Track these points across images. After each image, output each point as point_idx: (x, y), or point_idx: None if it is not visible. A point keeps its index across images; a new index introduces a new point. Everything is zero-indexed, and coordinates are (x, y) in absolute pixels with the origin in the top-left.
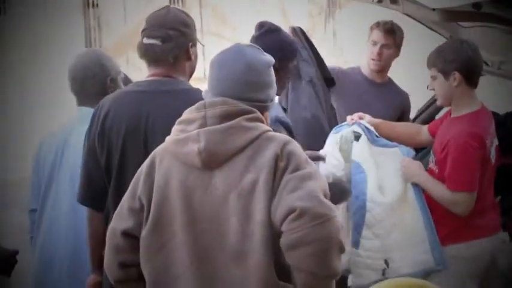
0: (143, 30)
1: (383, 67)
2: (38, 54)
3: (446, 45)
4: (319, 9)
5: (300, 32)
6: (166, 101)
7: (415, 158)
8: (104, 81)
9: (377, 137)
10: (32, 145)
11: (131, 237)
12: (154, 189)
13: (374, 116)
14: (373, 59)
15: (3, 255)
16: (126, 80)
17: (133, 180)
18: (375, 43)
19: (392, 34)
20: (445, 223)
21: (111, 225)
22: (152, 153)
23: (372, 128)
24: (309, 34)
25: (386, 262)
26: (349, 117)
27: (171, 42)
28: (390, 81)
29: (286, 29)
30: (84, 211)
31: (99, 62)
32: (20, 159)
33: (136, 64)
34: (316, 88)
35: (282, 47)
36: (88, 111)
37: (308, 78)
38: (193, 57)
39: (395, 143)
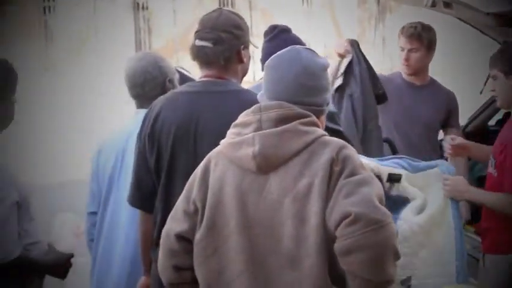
0: (196, 32)
1: (415, 70)
2: (87, 56)
3: (508, 46)
4: (369, 14)
5: (356, 45)
6: (217, 102)
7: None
8: (163, 83)
9: (415, 161)
10: (82, 148)
11: (185, 240)
12: (209, 192)
13: (415, 119)
14: (403, 64)
15: (59, 259)
16: (186, 78)
17: (188, 183)
18: (402, 49)
19: (417, 38)
20: (505, 230)
21: (165, 228)
22: (207, 156)
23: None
24: (359, 40)
25: (409, 278)
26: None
27: (223, 44)
28: (432, 83)
29: (337, 35)
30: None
31: (157, 65)
32: (72, 162)
33: (185, 66)
34: (354, 103)
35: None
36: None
37: (349, 92)
38: (245, 59)
39: (436, 162)
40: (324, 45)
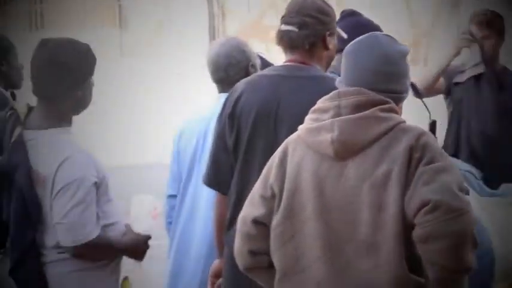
0: (282, 17)
1: (487, 58)
2: (161, 41)
3: None
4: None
5: None
6: (299, 87)
7: None
8: (246, 68)
9: (483, 183)
10: (158, 131)
11: (262, 225)
12: (287, 177)
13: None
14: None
15: (137, 240)
16: (266, 63)
17: (266, 168)
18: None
19: (486, 25)
20: None
21: (242, 213)
22: (285, 141)
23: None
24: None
25: None
26: None
27: (307, 29)
28: (504, 70)
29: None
30: None
31: (241, 49)
32: (148, 145)
33: (259, 52)
34: None
35: (357, 30)
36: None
37: None
38: (331, 46)
39: (501, 190)
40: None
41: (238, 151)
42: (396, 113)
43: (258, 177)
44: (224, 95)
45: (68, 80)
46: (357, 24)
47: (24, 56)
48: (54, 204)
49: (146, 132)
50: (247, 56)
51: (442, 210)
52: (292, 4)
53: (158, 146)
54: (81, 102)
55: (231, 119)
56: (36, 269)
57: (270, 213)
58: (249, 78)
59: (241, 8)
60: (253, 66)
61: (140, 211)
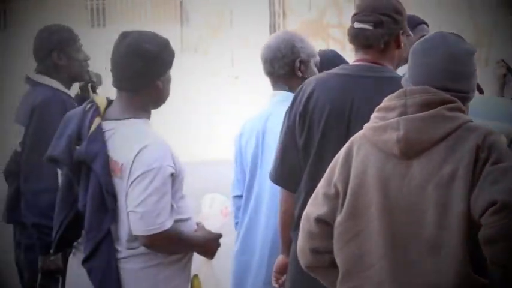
0: (354, 15)
1: None
2: (222, 38)
3: None
4: None
5: None
6: (373, 88)
7: None
8: (292, 63)
9: None
10: (223, 128)
11: (325, 223)
12: (351, 176)
13: None
14: None
15: (209, 238)
16: (341, 60)
17: (330, 166)
18: None
19: None
20: None
21: (306, 211)
22: (350, 139)
23: None
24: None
25: None
26: None
27: (383, 27)
28: None
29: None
30: None
31: (290, 44)
32: (214, 142)
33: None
34: None
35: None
36: (284, 95)
37: None
38: (402, 45)
39: None
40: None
41: (308, 150)
42: (463, 112)
43: None
44: (279, 93)
45: (148, 72)
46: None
47: (88, 52)
48: (129, 192)
49: (211, 127)
50: (296, 52)
51: (508, 211)
52: (366, 2)
53: (225, 142)
54: (160, 95)
55: (302, 118)
56: (109, 260)
57: (333, 212)
58: (319, 75)
59: (302, 7)
60: (303, 63)
61: (211, 209)
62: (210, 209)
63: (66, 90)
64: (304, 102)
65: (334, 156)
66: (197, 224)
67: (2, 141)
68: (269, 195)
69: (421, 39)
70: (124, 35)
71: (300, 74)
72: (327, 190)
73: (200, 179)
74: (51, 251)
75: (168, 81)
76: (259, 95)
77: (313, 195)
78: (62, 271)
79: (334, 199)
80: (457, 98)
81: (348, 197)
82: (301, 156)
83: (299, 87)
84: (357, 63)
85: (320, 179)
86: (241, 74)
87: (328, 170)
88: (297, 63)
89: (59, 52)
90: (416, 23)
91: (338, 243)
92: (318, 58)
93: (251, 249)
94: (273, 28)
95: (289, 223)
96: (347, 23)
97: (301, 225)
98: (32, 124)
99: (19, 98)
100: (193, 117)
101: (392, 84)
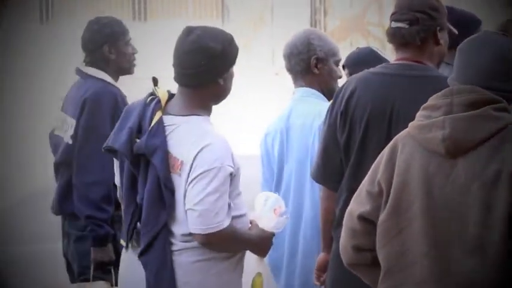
0: (392, 15)
1: None
2: (262, 36)
3: None
4: None
5: None
6: (415, 87)
7: None
8: (308, 60)
9: None
10: (257, 125)
11: (368, 221)
12: (395, 174)
13: None
14: None
15: (262, 236)
16: (380, 58)
17: (374, 164)
18: None
19: None
20: None
21: (349, 208)
22: (395, 138)
23: None
24: None
25: None
26: None
27: (418, 25)
28: None
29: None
30: (308, 190)
31: (307, 41)
32: (251, 139)
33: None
34: None
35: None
36: (303, 91)
37: None
38: (442, 41)
39: None
40: None
41: (350, 149)
42: (509, 112)
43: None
44: (298, 90)
45: (210, 70)
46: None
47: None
48: (188, 190)
49: (250, 123)
50: (312, 49)
51: None
52: (402, 1)
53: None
54: (221, 92)
55: (343, 116)
56: (164, 255)
57: (376, 210)
58: (359, 74)
59: (343, 4)
60: (319, 60)
61: (265, 208)
62: (263, 208)
63: (115, 83)
64: (346, 101)
65: (375, 155)
66: (251, 222)
67: None
68: (294, 192)
69: (469, 38)
70: (188, 31)
71: (316, 71)
72: (371, 188)
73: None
74: (125, 243)
75: (230, 77)
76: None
77: (357, 192)
78: (114, 263)
79: (378, 197)
80: (503, 98)
81: (391, 195)
82: (343, 155)
83: (340, 87)
84: (397, 62)
85: (362, 178)
86: (282, 70)
87: (372, 168)
88: (313, 61)
89: (110, 46)
90: (478, 24)
91: (381, 240)
92: (339, 58)
93: (281, 245)
94: (313, 24)
95: (330, 221)
96: (387, 21)
97: (344, 222)
98: (83, 117)
99: (67, 88)
100: (234, 112)
101: (434, 82)
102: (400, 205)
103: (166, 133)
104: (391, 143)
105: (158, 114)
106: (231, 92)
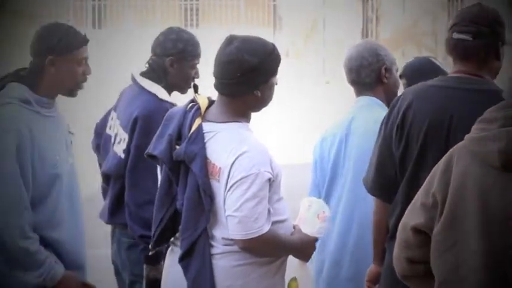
0: (453, 26)
1: None
2: (314, 44)
3: None
4: None
5: None
6: (474, 100)
7: None
8: (378, 71)
9: None
10: (308, 133)
11: (421, 233)
12: (450, 186)
13: None
14: None
15: (305, 240)
16: (439, 70)
17: (429, 176)
18: None
19: None
20: None
21: (403, 220)
22: (450, 150)
23: None
24: None
25: None
26: None
27: (483, 38)
28: None
29: None
30: (362, 198)
31: (374, 52)
32: (299, 146)
33: (410, 58)
34: None
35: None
36: (367, 100)
37: None
38: (501, 57)
39: None
40: None
41: (406, 162)
42: None
43: None
44: (363, 99)
45: (247, 82)
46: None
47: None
48: (227, 196)
49: (300, 131)
50: (381, 60)
51: None
52: (465, 12)
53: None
54: (259, 102)
55: (399, 129)
56: (204, 260)
57: (430, 222)
58: (416, 86)
59: (396, 13)
60: (388, 70)
61: (308, 213)
62: (307, 213)
63: (169, 99)
64: (402, 114)
65: (432, 168)
66: (294, 227)
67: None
68: (346, 199)
69: None
70: (229, 41)
71: (385, 80)
72: (425, 200)
73: (293, 181)
74: (150, 246)
75: (270, 87)
76: (350, 101)
77: (411, 204)
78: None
79: (432, 209)
80: None
81: (446, 207)
82: (398, 167)
83: (395, 99)
84: (456, 74)
85: (417, 191)
86: (333, 79)
87: (427, 180)
88: (383, 70)
89: (174, 60)
90: None
91: (435, 253)
92: (397, 67)
93: (327, 250)
94: (365, 34)
95: (383, 233)
96: (440, 31)
97: (397, 234)
98: (135, 135)
99: (117, 93)
100: (284, 121)
101: (492, 96)
102: (456, 218)
103: (206, 140)
104: (447, 155)
105: (198, 121)
106: (281, 99)
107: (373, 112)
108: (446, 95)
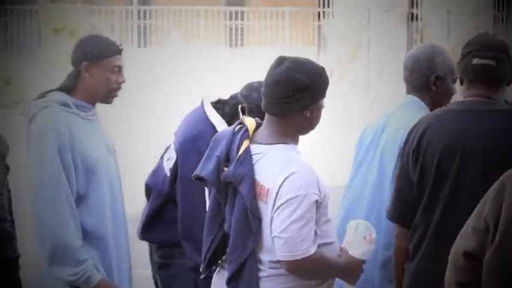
0: (473, 51)
1: None
2: (358, 65)
3: None
4: None
5: None
6: (489, 122)
7: None
8: (427, 77)
9: None
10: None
11: (473, 257)
12: (502, 211)
13: None
14: None
15: (352, 263)
16: None
17: (481, 201)
18: None
19: None
20: None
21: (455, 244)
22: (502, 176)
23: None
24: None
25: None
26: None
27: (504, 64)
28: None
29: None
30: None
31: (430, 58)
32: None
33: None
34: None
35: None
36: (411, 100)
37: None
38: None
39: None
40: None
41: (423, 186)
42: None
43: (443, 213)
44: (408, 97)
45: (297, 102)
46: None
47: (226, 72)
48: (274, 217)
49: (344, 152)
50: (433, 67)
51: None
52: (483, 39)
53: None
54: (308, 123)
55: (415, 154)
56: (251, 282)
57: (481, 246)
58: (435, 111)
59: (441, 35)
60: (440, 79)
61: (355, 236)
62: (354, 235)
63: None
64: (418, 139)
65: (449, 192)
66: (341, 249)
67: None
68: (369, 193)
69: None
70: (279, 61)
71: (433, 88)
72: (477, 224)
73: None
74: (201, 269)
75: (318, 109)
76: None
77: (462, 230)
78: None
79: (484, 233)
80: None
81: (498, 231)
82: (416, 192)
83: (412, 127)
84: (473, 98)
85: (434, 215)
86: (376, 100)
87: (479, 204)
88: (432, 78)
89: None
90: None
91: (486, 277)
92: (456, 76)
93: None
94: None
95: (403, 259)
96: None
97: (449, 259)
98: (180, 161)
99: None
100: (327, 141)
101: (508, 117)
102: (507, 243)
103: (254, 161)
104: (499, 179)
105: (246, 143)
106: (328, 119)
107: (411, 112)
108: (462, 119)
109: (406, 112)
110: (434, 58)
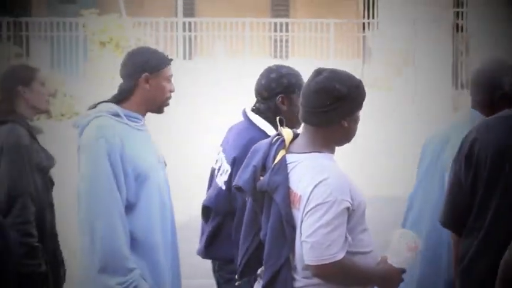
0: None
1: None
2: (406, 77)
3: None
4: None
5: None
6: None
7: None
8: (491, 94)
9: None
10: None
11: None
12: None
13: None
14: None
15: (390, 271)
16: None
17: None
18: None
19: None
20: None
21: (504, 257)
22: None
23: None
24: None
25: None
26: None
27: None
28: None
29: None
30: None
31: (494, 73)
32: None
33: None
34: None
35: None
36: (475, 114)
37: None
38: None
39: None
40: None
41: (476, 193)
42: None
43: (495, 219)
44: (474, 112)
45: (335, 111)
46: None
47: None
48: (303, 222)
49: (391, 165)
50: (497, 82)
51: None
52: None
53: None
54: (345, 134)
55: (467, 161)
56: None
57: None
58: (483, 121)
59: (487, 46)
60: (505, 95)
61: (399, 244)
62: (397, 244)
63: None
64: (470, 145)
65: (500, 198)
66: (382, 257)
67: None
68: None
69: None
70: (318, 72)
71: (497, 104)
72: None
73: (382, 213)
74: (236, 276)
75: (355, 121)
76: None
77: None
78: None
79: None
80: None
81: None
82: (469, 197)
83: (468, 132)
84: None
85: (486, 221)
86: (423, 112)
87: None
88: (497, 94)
89: (283, 97)
90: None
91: None
92: None
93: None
94: (455, 66)
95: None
96: None
97: (498, 271)
98: (234, 172)
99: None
100: (372, 152)
101: None
102: None
103: (288, 170)
104: None
105: (281, 153)
106: (373, 132)
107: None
108: (508, 125)
109: (466, 128)
110: (501, 74)
